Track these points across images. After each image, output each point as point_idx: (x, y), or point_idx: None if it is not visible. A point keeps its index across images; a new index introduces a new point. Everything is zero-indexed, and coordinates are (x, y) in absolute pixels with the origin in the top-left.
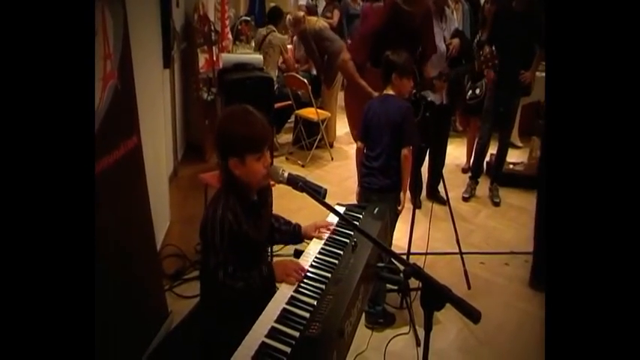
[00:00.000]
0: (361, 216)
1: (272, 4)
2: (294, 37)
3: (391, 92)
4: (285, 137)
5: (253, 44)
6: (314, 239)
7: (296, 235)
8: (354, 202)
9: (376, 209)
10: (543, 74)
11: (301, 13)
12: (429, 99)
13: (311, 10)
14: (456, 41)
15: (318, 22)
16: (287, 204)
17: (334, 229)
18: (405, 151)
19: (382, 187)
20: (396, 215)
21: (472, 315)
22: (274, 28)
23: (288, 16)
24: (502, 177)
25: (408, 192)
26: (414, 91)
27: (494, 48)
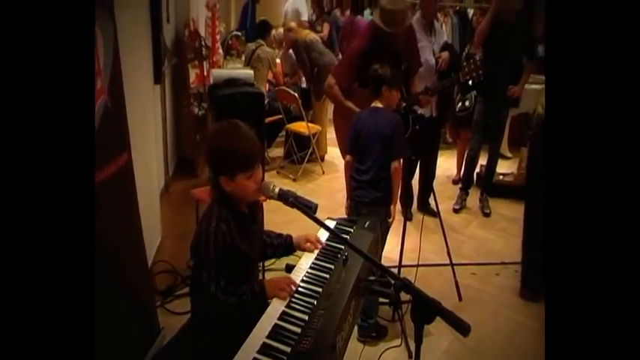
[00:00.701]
0: (352, 230)
1: (262, 18)
2: (282, 51)
3: (380, 105)
4: (276, 151)
5: (244, 59)
6: (305, 253)
7: (288, 246)
8: (345, 215)
9: (367, 223)
10: (532, 86)
11: (293, 24)
12: (418, 112)
13: (312, 26)
14: (445, 54)
15: (309, 35)
16: (278, 218)
17: (326, 243)
18: (395, 164)
19: (373, 200)
20: (386, 228)
21: (461, 328)
22: (263, 42)
23: (273, 31)
24: (492, 188)
25: (398, 204)
26: (404, 104)
27: (478, 58)
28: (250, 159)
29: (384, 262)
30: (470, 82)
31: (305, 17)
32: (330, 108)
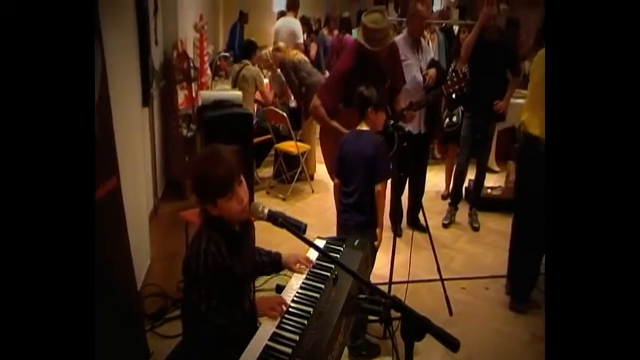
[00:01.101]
0: (342, 249)
1: (248, 39)
2: (270, 72)
3: (365, 128)
4: (265, 171)
5: (231, 80)
6: (295, 274)
7: (276, 263)
8: (335, 233)
9: (356, 241)
10: (517, 101)
11: (282, 44)
12: (406, 129)
13: (307, 48)
14: (432, 71)
15: (297, 55)
16: (269, 238)
17: (315, 263)
18: (378, 187)
19: (357, 223)
20: (374, 251)
21: (451, 344)
22: (248, 62)
23: (265, 51)
24: (481, 202)
25: (388, 222)
26: (392, 122)
27: (462, 70)
28: (225, 184)
29: (375, 278)
30: (453, 95)
31: (300, 40)
32: (318, 127)
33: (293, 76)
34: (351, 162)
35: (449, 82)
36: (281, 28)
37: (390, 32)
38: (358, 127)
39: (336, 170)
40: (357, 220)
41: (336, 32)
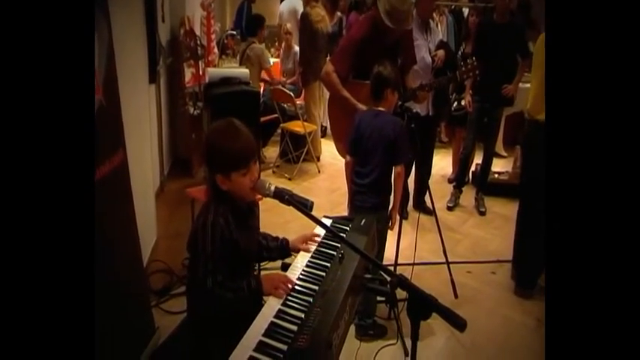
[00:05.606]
0: (348, 228)
1: (258, 13)
2: (281, 51)
3: (381, 108)
4: (271, 150)
5: (238, 58)
6: (301, 252)
7: (284, 248)
8: (342, 214)
9: (363, 221)
10: (526, 85)
11: (289, 25)
12: (414, 110)
13: None
14: (440, 52)
15: (323, 23)
16: (274, 217)
17: (321, 242)
18: (397, 169)
19: (374, 205)
20: (385, 233)
21: (458, 323)
22: (254, 41)
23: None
24: (487, 186)
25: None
26: (400, 102)
27: (474, 59)
28: (245, 157)
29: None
30: (465, 83)
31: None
32: (320, 104)
33: (307, 36)
34: (368, 142)
35: (462, 69)
36: (283, 9)
37: (412, 14)
38: (375, 108)
39: (350, 150)
40: (374, 202)
41: (338, 14)
